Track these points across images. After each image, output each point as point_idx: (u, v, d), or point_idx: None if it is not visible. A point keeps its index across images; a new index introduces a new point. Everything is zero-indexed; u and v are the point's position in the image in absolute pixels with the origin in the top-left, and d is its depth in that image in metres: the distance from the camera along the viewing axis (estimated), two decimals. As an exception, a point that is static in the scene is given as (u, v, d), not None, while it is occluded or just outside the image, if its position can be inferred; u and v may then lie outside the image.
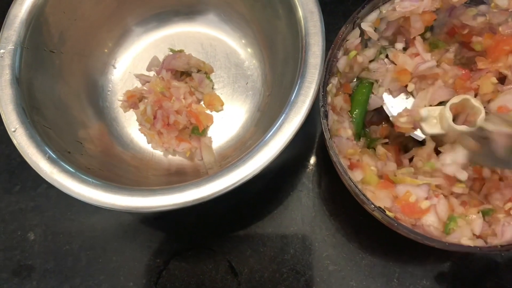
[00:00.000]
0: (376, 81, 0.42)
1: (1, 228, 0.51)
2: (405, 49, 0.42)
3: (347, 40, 0.39)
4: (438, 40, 0.43)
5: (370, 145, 0.43)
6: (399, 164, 0.42)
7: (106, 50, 0.53)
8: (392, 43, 0.43)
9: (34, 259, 0.49)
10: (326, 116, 0.36)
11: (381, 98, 0.42)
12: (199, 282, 0.47)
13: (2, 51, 0.42)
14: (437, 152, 0.40)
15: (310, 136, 0.53)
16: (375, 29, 0.41)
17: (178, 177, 0.49)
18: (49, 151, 0.39)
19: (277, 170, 0.51)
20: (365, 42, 0.41)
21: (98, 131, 0.49)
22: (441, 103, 0.41)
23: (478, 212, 0.36)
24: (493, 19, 0.39)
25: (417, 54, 0.41)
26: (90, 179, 0.38)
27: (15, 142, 0.39)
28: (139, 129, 0.51)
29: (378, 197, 0.36)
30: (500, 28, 0.39)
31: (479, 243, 0.34)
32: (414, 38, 0.41)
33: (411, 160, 0.42)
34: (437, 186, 0.38)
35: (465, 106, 0.38)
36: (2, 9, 0.45)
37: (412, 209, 0.35)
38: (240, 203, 0.50)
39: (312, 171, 0.51)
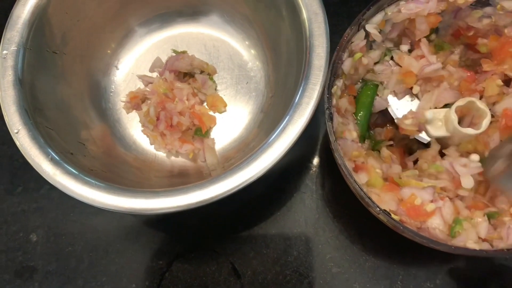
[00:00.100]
0: (381, 83, 0.42)
1: (4, 229, 0.50)
2: (410, 51, 0.42)
3: (352, 42, 0.39)
4: (443, 42, 0.42)
5: (375, 147, 0.43)
6: (404, 167, 0.41)
7: (109, 51, 0.53)
8: (397, 45, 0.42)
9: (36, 261, 0.49)
10: (331, 119, 0.36)
11: (386, 100, 0.42)
12: (202, 284, 0.47)
13: (5, 52, 0.42)
14: (442, 155, 0.40)
15: (313, 137, 0.53)
16: (380, 31, 0.40)
17: (181, 179, 0.48)
18: (52, 153, 0.39)
19: (280, 172, 0.51)
20: (370, 44, 0.41)
21: (100, 132, 0.49)
22: (446, 105, 0.40)
23: (484, 215, 0.36)
24: (499, 21, 0.39)
25: (422, 56, 0.41)
26: (93, 181, 0.38)
27: (17, 143, 0.39)
28: (142, 130, 0.51)
29: (383, 200, 0.36)
30: (506, 30, 0.39)
31: (485, 246, 0.34)
32: (420, 40, 0.41)
33: (415, 162, 0.41)
34: (442, 189, 0.38)
35: (470, 108, 0.38)
36: (4, 10, 0.45)
37: (417, 212, 0.35)
38: (243, 204, 0.50)
39: (316, 173, 0.51)
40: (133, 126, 0.52)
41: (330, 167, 0.51)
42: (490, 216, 0.36)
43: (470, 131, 0.37)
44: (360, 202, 0.37)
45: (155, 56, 0.54)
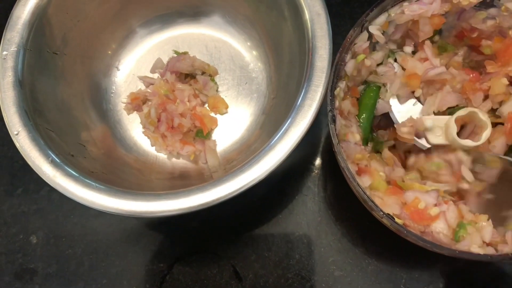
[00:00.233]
0: (384, 85, 0.42)
1: (3, 231, 0.50)
2: (413, 52, 0.42)
3: (355, 44, 0.38)
4: (446, 44, 0.42)
5: (376, 148, 0.43)
6: (405, 167, 0.41)
7: (109, 52, 0.53)
8: (400, 46, 0.42)
9: (36, 263, 0.49)
10: (334, 121, 0.36)
11: (388, 103, 0.42)
12: (203, 287, 0.47)
13: (5, 53, 0.42)
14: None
15: (315, 139, 0.53)
16: (383, 32, 0.40)
17: (182, 181, 0.48)
18: (52, 155, 0.39)
19: (282, 174, 0.50)
20: (373, 45, 0.41)
21: (101, 134, 0.49)
22: (450, 109, 0.40)
23: (488, 219, 0.35)
24: (503, 23, 0.39)
25: (426, 59, 0.40)
26: (93, 183, 0.38)
27: (17, 145, 0.39)
28: (143, 132, 0.51)
29: (386, 204, 0.35)
30: (510, 32, 0.39)
31: (490, 250, 0.34)
32: (423, 42, 0.40)
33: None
34: (446, 192, 0.38)
35: (472, 118, 0.38)
36: (5, 10, 0.45)
37: (421, 216, 0.35)
38: (245, 207, 0.50)
39: (318, 175, 0.51)
40: (134, 128, 0.52)
41: (333, 169, 0.51)
42: (494, 220, 0.36)
43: (468, 142, 0.37)
44: (363, 205, 0.37)
45: (156, 57, 0.54)
